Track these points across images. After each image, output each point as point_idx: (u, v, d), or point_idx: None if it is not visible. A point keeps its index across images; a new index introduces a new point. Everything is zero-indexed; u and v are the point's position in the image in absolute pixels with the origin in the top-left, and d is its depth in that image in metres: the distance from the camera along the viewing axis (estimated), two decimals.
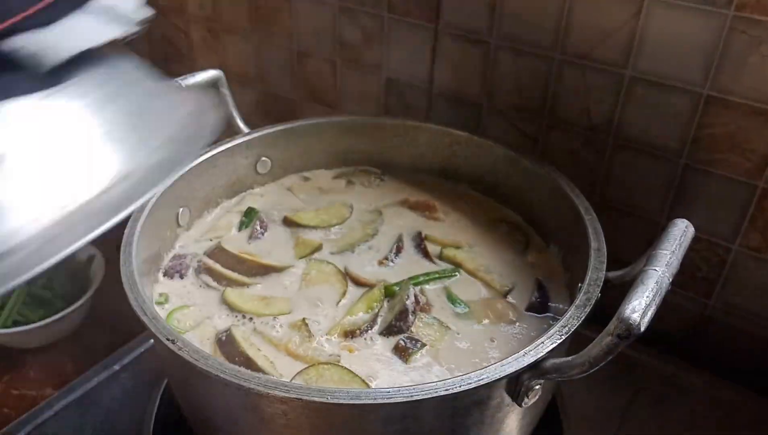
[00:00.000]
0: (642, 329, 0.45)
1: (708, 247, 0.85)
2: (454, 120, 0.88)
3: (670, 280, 0.50)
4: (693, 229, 0.56)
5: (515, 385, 0.53)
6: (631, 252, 0.89)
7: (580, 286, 0.60)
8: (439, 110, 1.01)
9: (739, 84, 0.74)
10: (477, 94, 0.95)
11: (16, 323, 0.94)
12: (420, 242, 0.78)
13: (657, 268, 0.49)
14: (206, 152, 0.79)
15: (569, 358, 0.51)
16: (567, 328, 0.54)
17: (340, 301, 0.70)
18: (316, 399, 0.49)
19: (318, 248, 0.77)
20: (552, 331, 0.54)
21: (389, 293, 0.70)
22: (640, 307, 0.46)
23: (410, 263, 0.75)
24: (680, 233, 0.55)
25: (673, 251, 0.52)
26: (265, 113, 1.26)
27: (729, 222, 0.82)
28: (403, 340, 0.64)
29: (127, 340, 0.89)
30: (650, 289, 0.48)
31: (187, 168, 0.76)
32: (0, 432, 0.77)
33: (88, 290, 0.97)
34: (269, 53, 1.17)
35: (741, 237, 0.82)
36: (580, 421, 0.79)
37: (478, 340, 0.65)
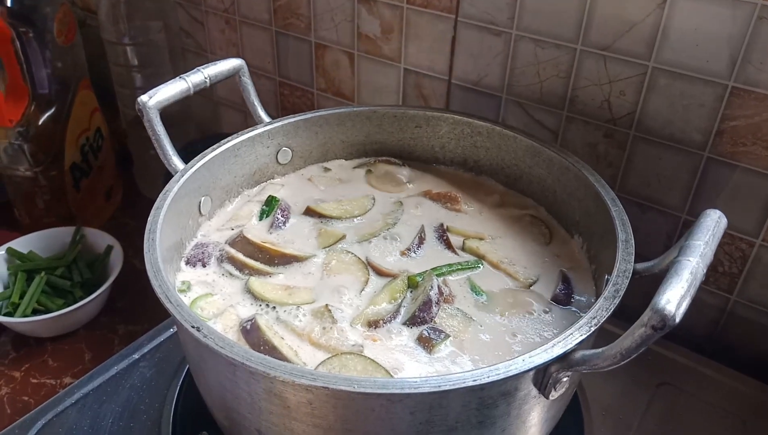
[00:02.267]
0: (677, 320, 0.44)
1: (730, 241, 0.84)
2: (472, 112, 0.88)
3: (705, 271, 0.49)
4: (726, 220, 0.56)
5: (543, 376, 0.53)
6: (651, 246, 0.89)
7: (608, 278, 0.59)
8: (457, 102, 1.01)
9: (766, 75, 0.73)
10: (496, 86, 0.94)
11: (35, 312, 0.95)
12: (442, 233, 0.77)
13: (691, 259, 0.48)
14: (228, 141, 0.79)
15: (600, 349, 0.50)
16: (596, 320, 0.53)
17: (362, 290, 0.70)
18: (343, 388, 0.48)
19: (341, 238, 0.77)
20: (581, 323, 0.53)
21: (412, 284, 0.69)
22: (675, 297, 0.45)
23: (433, 254, 0.75)
24: (713, 224, 0.54)
25: (707, 242, 0.51)
26: (283, 106, 1.25)
27: (752, 216, 0.81)
28: (427, 331, 0.63)
29: (145, 329, 0.89)
30: (685, 279, 0.47)
31: (209, 157, 0.76)
32: (20, 420, 0.77)
33: (106, 280, 0.97)
34: (287, 45, 1.17)
35: (765, 231, 0.81)
36: (601, 414, 0.78)
37: (501, 332, 0.65)
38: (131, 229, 1.20)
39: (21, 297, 0.96)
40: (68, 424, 0.76)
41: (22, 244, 1.03)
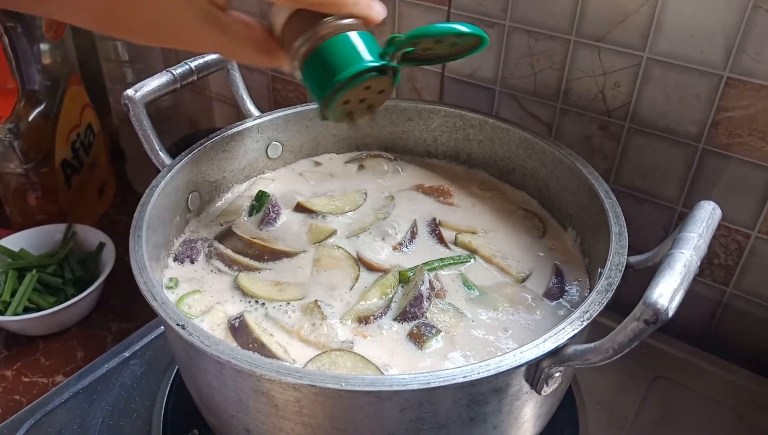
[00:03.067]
0: (670, 314, 0.44)
1: (726, 233, 0.83)
2: (466, 105, 0.87)
3: (698, 263, 0.48)
4: (720, 211, 0.55)
5: (535, 372, 0.52)
6: (647, 239, 0.88)
7: (601, 272, 0.58)
8: (450, 95, 1.00)
9: (762, 65, 0.72)
10: (490, 78, 0.94)
11: (27, 310, 0.94)
12: (435, 228, 0.77)
13: (684, 251, 0.48)
14: (216, 136, 0.78)
15: (592, 344, 0.49)
16: (588, 314, 0.53)
17: (353, 286, 0.69)
18: (331, 386, 0.47)
19: (332, 234, 0.76)
20: (573, 317, 0.52)
21: (403, 279, 0.69)
22: (667, 291, 0.44)
23: (425, 249, 0.74)
24: (707, 216, 0.53)
25: (701, 234, 0.50)
26: (276, 100, 1.24)
27: (748, 208, 0.80)
28: (418, 326, 0.63)
29: (137, 327, 0.89)
30: (678, 272, 0.46)
31: (196, 152, 0.75)
32: (11, 419, 0.77)
33: (98, 277, 0.96)
34: None
35: (760, 223, 0.80)
36: (596, 409, 0.77)
37: (493, 327, 0.64)
38: (124, 225, 1.19)
39: (12, 295, 0.95)
40: (58, 424, 0.75)
41: (12, 241, 1.02)
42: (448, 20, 0.93)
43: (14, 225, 1.11)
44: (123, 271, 1.00)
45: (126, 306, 1.02)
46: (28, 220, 1.09)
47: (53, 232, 1.04)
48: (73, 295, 0.95)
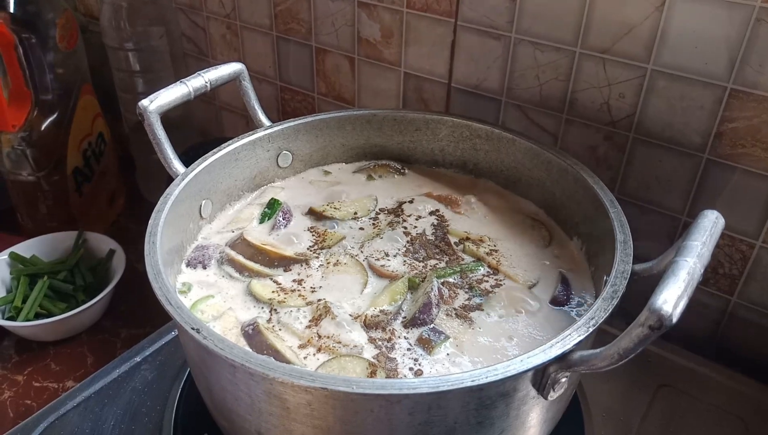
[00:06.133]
0: (674, 321, 0.44)
1: (731, 243, 0.84)
2: (472, 115, 0.88)
3: (702, 271, 0.49)
4: (723, 220, 0.56)
5: (541, 377, 0.53)
6: (652, 249, 0.88)
7: (606, 279, 0.59)
8: (457, 105, 1.01)
9: (765, 77, 0.73)
10: (496, 89, 0.95)
11: (38, 316, 0.95)
12: (443, 236, 0.78)
13: (688, 259, 0.49)
14: (229, 145, 0.79)
15: (597, 350, 0.50)
16: (594, 321, 0.53)
17: (362, 292, 0.70)
18: (342, 389, 0.48)
19: (341, 240, 0.77)
20: (579, 323, 0.53)
21: (412, 286, 0.70)
22: (672, 297, 0.45)
23: (433, 256, 0.75)
24: (711, 224, 0.54)
25: (704, 242, 0.51)
26: (284, 110, 1.26)
27: (752, 218, 0.81)
28: (427, 332, 0.64)
29: (147, 333, 0.90)
30: (682, 279, 0.47)
31: (209, 161, 0.76)
32: (21, 424, 0.77)
33: (108, 284, 0.97)
34: (288, 50, 1.17)
35: (765, 233, 0.81)
36: (601, 416, 0.78)
37: (500, 334, 0.65)
38: (134, 233, 1.21)
39: (24, 301, 0.96)
40: (70, 427, 0.76)
41: (24, 248, 1.03)
42: (455, 32, 0.95)
43: (26, 232, 1.12)
44: (133, 277, 1.02)
45: (135, 312, 1.03)
46: (40, 226, 1.11)
47: (64, 239, 1.06)
48: (84, 302, 0.97)
